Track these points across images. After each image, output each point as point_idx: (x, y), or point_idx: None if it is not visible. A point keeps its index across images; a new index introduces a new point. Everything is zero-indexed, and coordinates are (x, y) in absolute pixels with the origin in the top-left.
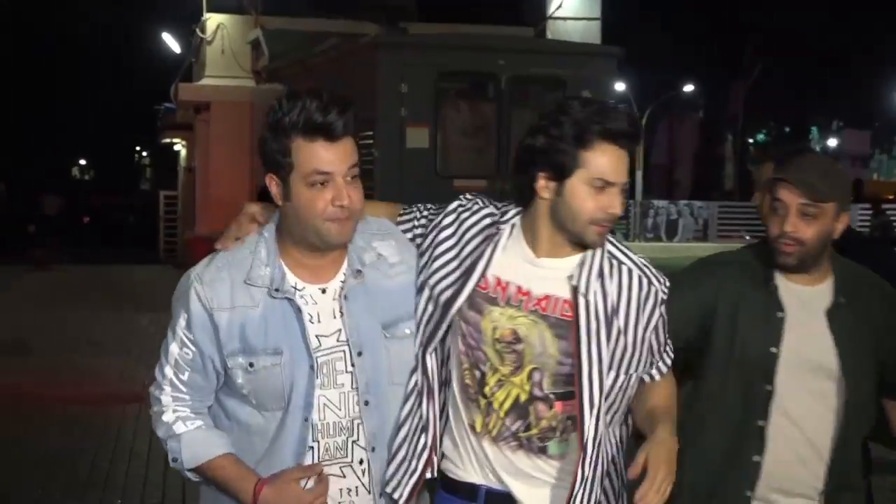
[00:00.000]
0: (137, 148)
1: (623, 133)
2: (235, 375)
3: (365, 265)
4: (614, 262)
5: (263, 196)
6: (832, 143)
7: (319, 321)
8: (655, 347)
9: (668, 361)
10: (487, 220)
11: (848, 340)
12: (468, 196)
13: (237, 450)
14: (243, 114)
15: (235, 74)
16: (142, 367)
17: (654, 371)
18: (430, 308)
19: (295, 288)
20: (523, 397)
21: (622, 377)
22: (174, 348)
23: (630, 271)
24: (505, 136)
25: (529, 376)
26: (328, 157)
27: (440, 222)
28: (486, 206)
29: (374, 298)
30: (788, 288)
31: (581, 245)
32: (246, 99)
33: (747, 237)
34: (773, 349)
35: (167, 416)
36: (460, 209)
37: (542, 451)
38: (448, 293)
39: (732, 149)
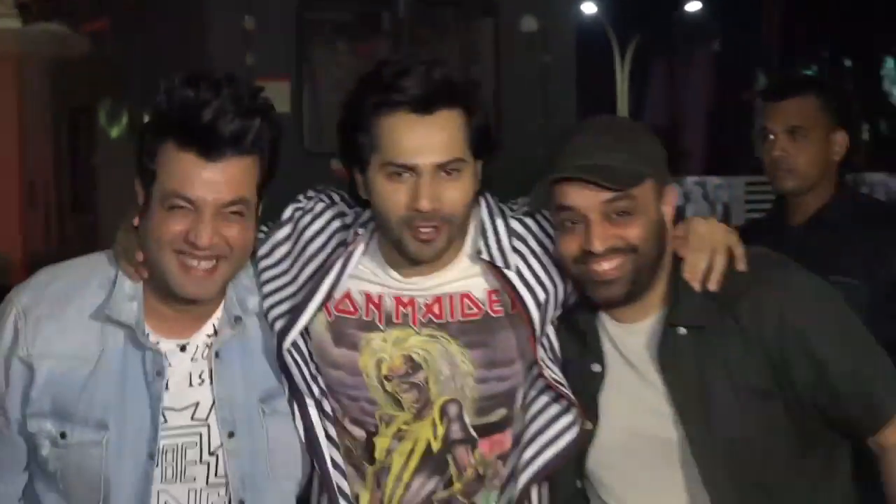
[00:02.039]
0: None
1: (412, 98)
2: (40, 445)
3: (247, 311)
4: (504, 214)
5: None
6: None
7: (168, 389)
8: None
9: None
10: (336, 224)
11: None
12: (311, 192)
13: None
14: (4, 75)
15: None
16: None
17: None
18: None
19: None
20: (436, 446)
21: None
22: None
23: (526, 216)
24: None
25: (442, 413)
26: None
27: (276, 236)
28: (335, 205)
29: (252, 359)
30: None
31: (410, 260)
32: (9, 48)
33: None
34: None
35: None
36: (298, 214)
37: None
38: (281, 323)
39: None
